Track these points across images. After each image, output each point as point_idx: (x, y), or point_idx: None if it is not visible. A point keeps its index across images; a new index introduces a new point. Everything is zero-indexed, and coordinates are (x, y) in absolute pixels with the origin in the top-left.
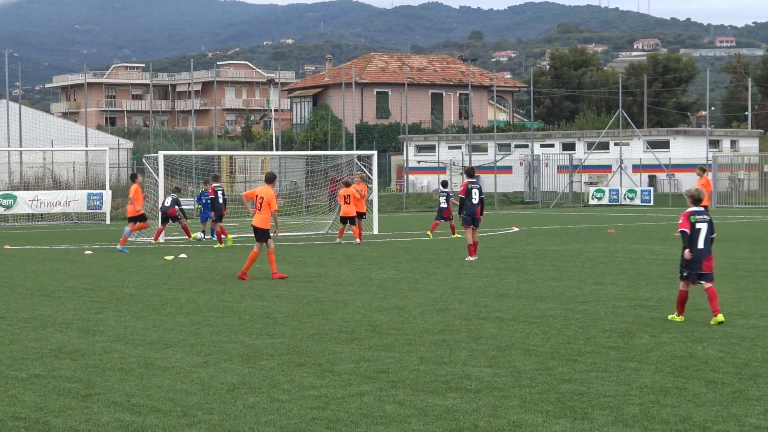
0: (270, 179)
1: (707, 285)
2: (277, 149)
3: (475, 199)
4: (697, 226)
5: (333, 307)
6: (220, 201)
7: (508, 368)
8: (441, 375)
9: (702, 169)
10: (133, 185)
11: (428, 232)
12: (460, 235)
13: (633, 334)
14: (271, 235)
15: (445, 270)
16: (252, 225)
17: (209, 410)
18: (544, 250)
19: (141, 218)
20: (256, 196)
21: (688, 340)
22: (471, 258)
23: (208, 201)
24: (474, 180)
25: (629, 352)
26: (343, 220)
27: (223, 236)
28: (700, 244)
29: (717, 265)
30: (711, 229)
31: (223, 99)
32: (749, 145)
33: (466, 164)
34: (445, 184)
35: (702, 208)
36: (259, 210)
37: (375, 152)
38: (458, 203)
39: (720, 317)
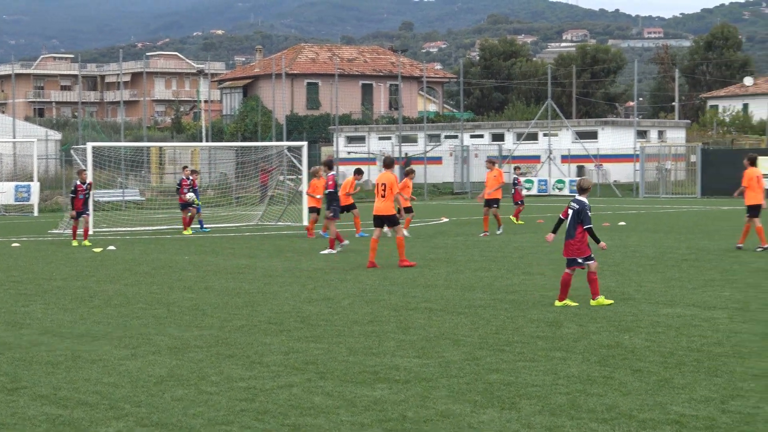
0: (389, 164)
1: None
2: (206, 140)
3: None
4: (569, 212)
5: (262, 299)
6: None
7: (437, 358)
8: (370, 366)
9: (491, 161)
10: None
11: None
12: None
13: (560, 324)
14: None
15: (378, 260)
16: (373, 213)
17: (137, 403)
18: (474, 241)
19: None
20: (378, 183)
21: (615, 330)
22: (330, 251)
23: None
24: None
25: (557, 342)
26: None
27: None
28: (566, 229)
29: (645, 255)
30: (575, 217)
31: (153, 90)
32: (676, 136)
33: (394, 155)
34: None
35: (583, 198)
36: (383, 197)
37: (305, 143)
38: (327, 197)
39: (599, 302)
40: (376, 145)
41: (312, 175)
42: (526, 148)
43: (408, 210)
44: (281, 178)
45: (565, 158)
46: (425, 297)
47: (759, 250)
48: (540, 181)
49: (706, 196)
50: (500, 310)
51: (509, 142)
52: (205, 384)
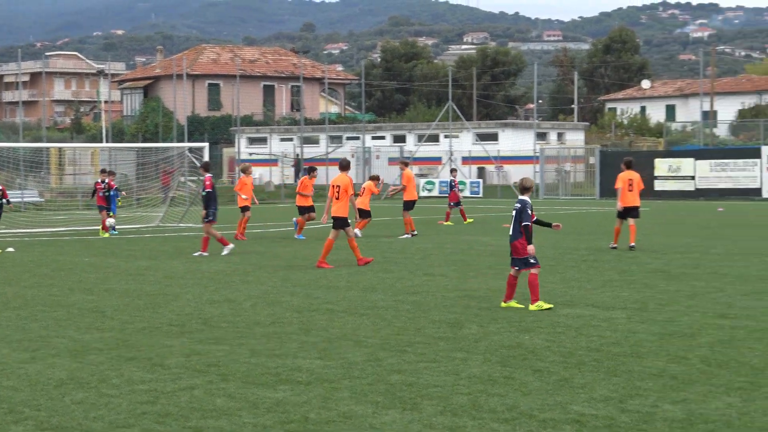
0: (344, 166)
1: (518, 270)
2: (107, 141)
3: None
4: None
5: (163, 301)
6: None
7: (339, 360)
8: (272, 367)
9: (404, 162)
10: None
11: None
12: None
13: (462, 325)
14: (349, 221)
15: (277, 262)
16: (331, 214)
17: (36, 406)
18: (376, 242)
19: None
20: (333, 185)
21: (516, 330)
22: (204, 253)
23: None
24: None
25: (458, 343)
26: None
27: None
28: (510, 231)
29: (545, 256)
30: (518, 217)
31: (52, 90)
32: (575, 138)
33: (299, 156)
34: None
35: (524, 198)
36: (337, 198)
37: (206, 144)
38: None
39: (539, 306)
40: (277, 146)
41: (242, 172)
42: (428, 150)
43: (366, 214)
44: (182, 179)
45: (466, 160)
46: (327, 298)
47: (612, 247)
48: (441, 182)
49: (604, 198)
50: (402, 312)
51: (411, 144)
52: (106, 387)
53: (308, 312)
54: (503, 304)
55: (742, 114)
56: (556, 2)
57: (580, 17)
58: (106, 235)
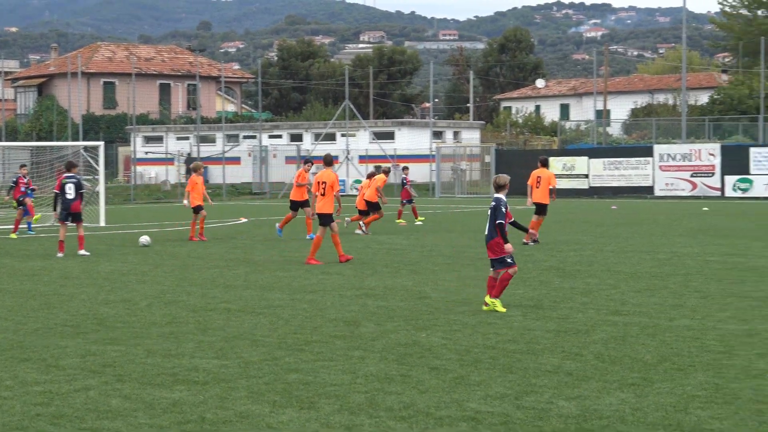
0: (329, 162)
1: (496, 270)
2: (0, 140)
3: (71, 194)
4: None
5: (58, 301)
6: None
7: (236, 359)
8: (168, 368)
9: (308, 161)
10: None
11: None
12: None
13: (359, 323)
14: (335, 217)
15: (174, 262)
16: (316, 211)
17: None
18: (273, 241)
19: None
20: (318, 182)
21: (413, 328)
22: (60, 254)
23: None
24: (71, 175)
25: (355, 341)
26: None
27: None
28: (485, 231)
29: (441, 254)
30: (492, 216)
31: None
32: (471, 137)
33: (194, 155)
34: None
35: (499, 196)
36: (323, 195)
37: (102, 143)
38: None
39: (493, 304)
40: (174, 145)
41: (192, 171)
42: (325, 149)
43: (377, 208)
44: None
45: (363, 158)
46: (224, 298)
47: (529, 243)
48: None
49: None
50: (299, 310)
51: (307, 143)
52: None
53: (205, 311)
54: (485, 307)
55: (634, 113)
56: (452, 2)
57: (475, 17)
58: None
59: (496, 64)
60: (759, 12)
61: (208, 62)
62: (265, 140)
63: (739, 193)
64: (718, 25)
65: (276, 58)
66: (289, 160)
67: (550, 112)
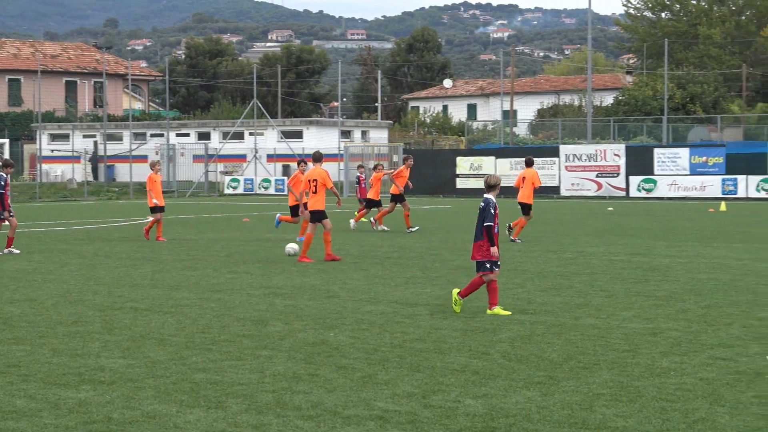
0: (318, 159)
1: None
2: None
3: None
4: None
5: None
6: None
7: (143, 359)
8: (74, 367)
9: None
10: None
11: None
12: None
13: (266, 322)
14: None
15: (80, 260)
16: (308, 208)
17: None
18: (180, 239)
19: None
20: (309, 179)
21: (320, 327)
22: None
23: None
24: None
25: (263, 340)
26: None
27: None
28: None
29: (349, 253)
30: (480, 217)
31: None
32: (379, 136)
33: (101, 153)
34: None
35: (488, 196)
36: (314, 192)
37: (7, 141)
38: None
39: (496, 310)
40: (80, 143)
41: (150, 169)
42: (233, 147)
43: (376, 204)
44: None
45: (271, 157)
46: (131, 296)
47: (517, 241)
48: (246, 180)
49: (407, 195)
50: (207, 309)
51: (215, 141)
52: None
53: (111, 311)
54: (489, 311)
55: (540, 113)
56: (360, 1)
57: (383, 16)
58: None
59: (404, 64)
60: (662, 14)
61: (114, 60)
62: (173, 139)
63: (643, 194)
64: (623, 27)
65: (184, 56)
66: (196, 158)
67: (458, 112)
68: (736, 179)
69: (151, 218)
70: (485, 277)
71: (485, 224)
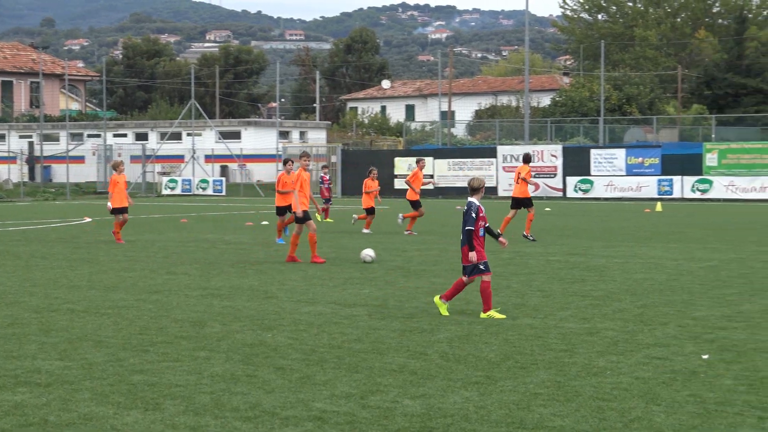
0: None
1: (469, 277)
2: None
3: None
4: None
5: None
6: None
7: (80, 361)
8: (10, 369)
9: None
10: None
11: None
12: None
13: (204, 324)
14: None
15: (16, 262)
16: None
17: None
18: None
19: None
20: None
21: (259, 328)
22: None
23: None
24: None
25: (201, 342)
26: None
27: None
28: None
29: (286, 254)
30: (463, 221)
31: None
32: (317, 136)
33: (37, 154)
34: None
35: (471, 199)
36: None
37: None
38: None
39: (490, 316)
40: (16, 143)
41: (113, 169)
42: (170, 148)
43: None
44: None
45: (209, 158)
46: (67, 298)
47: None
48: (184, 180)
49: (346, 196)
50: (144, 311)
51: (153, 142)
52: None
53: (48, 312)
54: (436, 299)
55: (478, 114)
56: (298, 2)
57: (321, 17)
58: None
59: (343, 65)
60: (599, 16)
61: (51, 60)
62: (110, 139)
63: (580, 194)
64: (560, 28)
65: (121, 56)
66: (134, 159)
67: (396, 113)
68: (671, 180)
69: (120, 218)
70: (485, 278)
71: (465, 228)
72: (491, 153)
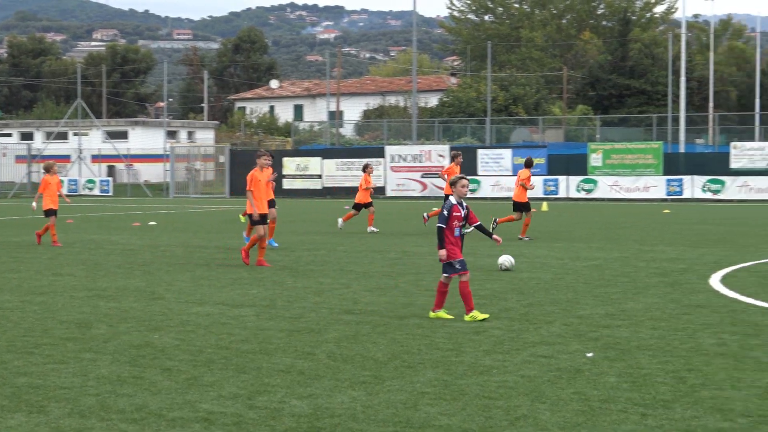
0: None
1: (447, 276)
2: None
3: None
4: None
5: None
6: None
7: None
8: None
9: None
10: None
11: None
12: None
13: (91, 325)
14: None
15: None
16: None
17: None
18: (2, 242)
19: None
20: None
21: (146, 329)
22: None
23: None
24: None
25: (87, 343)
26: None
27: None
28: None
29: (174, 254)
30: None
31: None
32: (205, 137)
33: None
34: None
35: (450, 196)
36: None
37: None
38: None
39: (472, 317)
40: None
41: (45, 171)
42: (56, 148)
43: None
44: None
45: (96, 158)
46: None
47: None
48: (70, 180)
49: (234, 196)
50: (29, 313)
51: (39, 142)
52: None
53: None
54: (431, 314)
55: (366, 114)
56: (186, 1)
57: (209, 17)
58: None
59: (231, 65)
60: (486, 17)
61: None
62: None
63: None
64: (447, 29)
65: (6, 54)
66: (19, 159)
67: (284, 113)
68: (557, 180)
69: (49, 221)
70: (464, 278)
71: (437, 225)
72: (379, 153)
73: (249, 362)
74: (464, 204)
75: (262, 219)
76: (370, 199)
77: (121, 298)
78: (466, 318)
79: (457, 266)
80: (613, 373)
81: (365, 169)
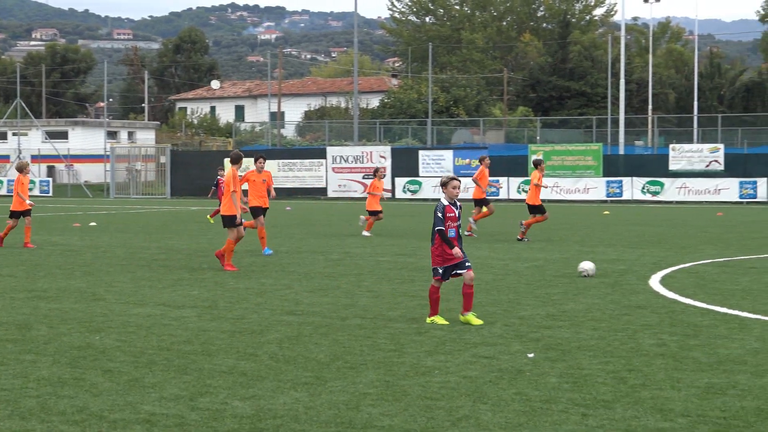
0: (235, 161)
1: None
2: None
3: None
4: None
5: None
6: None
7: None
8: None
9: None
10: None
11: None
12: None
13: (31, 326)
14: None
15: None
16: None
17: None
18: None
19: None
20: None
21: (87, 331)
22: None
23: None
24: None
25: (27, 345)
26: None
27: None
28: None
29: (115, 255)
30: (433, 222)
31: None
32: (146, 137)
33: None
34: None
35: (440, 198)
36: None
37: None
38: None
39: (467, 319)
40: None
41: (18, 171)
42: None
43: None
44: None
45: (36, 158)
46: None
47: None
48: (9, 181)
49: (175, 197)
50: None
51: None
52: None
53: None
54: (428, 320)
55: (308, 115)
56: (126, 1)
57: (150, 16)
58: None
59: (172, 65)
60: (427, 19)
61: None
62: None
63: (409, 195)
64: (389, 30)
65: None
66: None
67: (226, 114)
68: (498, 181)
69: (10, 222)
70: (468, 276)
71: (435, 229)
72: (321, 154)
73: (191, 363)
74: (458, 204)
75: (261, 211)
76: (380, 207)
77: (62, 299)
78: (427, 321)
79: (439, 270)
80: (554, 373)
81: (376, 173)
